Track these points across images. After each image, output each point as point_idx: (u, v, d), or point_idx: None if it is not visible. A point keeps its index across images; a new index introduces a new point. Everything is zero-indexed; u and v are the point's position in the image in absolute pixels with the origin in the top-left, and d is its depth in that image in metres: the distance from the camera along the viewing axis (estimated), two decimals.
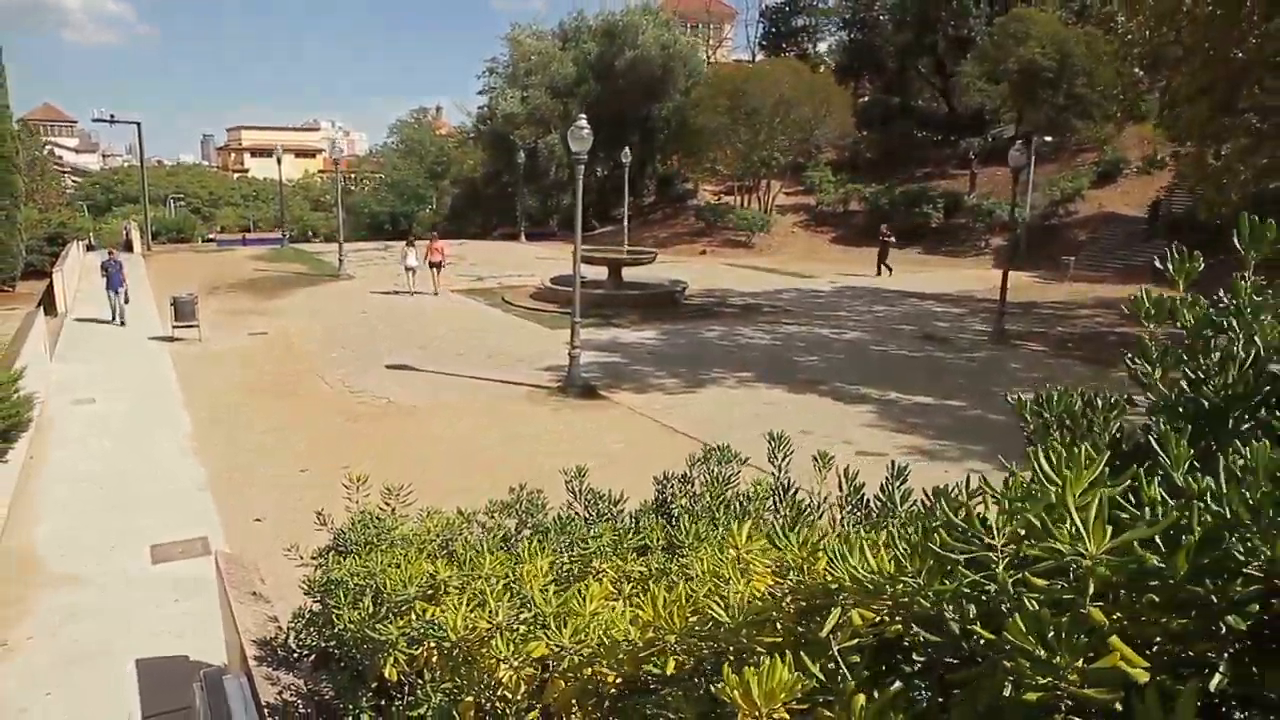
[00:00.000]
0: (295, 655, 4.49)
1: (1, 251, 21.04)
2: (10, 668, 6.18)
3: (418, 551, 4.03)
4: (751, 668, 1.28)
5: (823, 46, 56.09)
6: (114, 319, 18.86)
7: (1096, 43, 27.97)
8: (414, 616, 2.91)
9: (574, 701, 2.18)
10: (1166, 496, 1.18)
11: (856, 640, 1.39)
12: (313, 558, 4.37)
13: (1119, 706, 1.01)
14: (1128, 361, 1.67)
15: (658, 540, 3.23)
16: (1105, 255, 34.93)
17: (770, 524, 2.67)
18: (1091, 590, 1.06)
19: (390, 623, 2.97)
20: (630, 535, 3.90)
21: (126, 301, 19.07)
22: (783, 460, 3.67)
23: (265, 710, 3.95)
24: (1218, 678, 1.06)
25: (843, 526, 3.35)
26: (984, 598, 1.22)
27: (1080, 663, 1.02)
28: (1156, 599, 1.09)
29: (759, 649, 1.58)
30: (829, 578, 1.46)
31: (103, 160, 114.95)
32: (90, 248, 33.86)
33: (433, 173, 65.90)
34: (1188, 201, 27.30)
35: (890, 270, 31.38)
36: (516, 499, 4.95)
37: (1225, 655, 1.08)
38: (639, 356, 17.17)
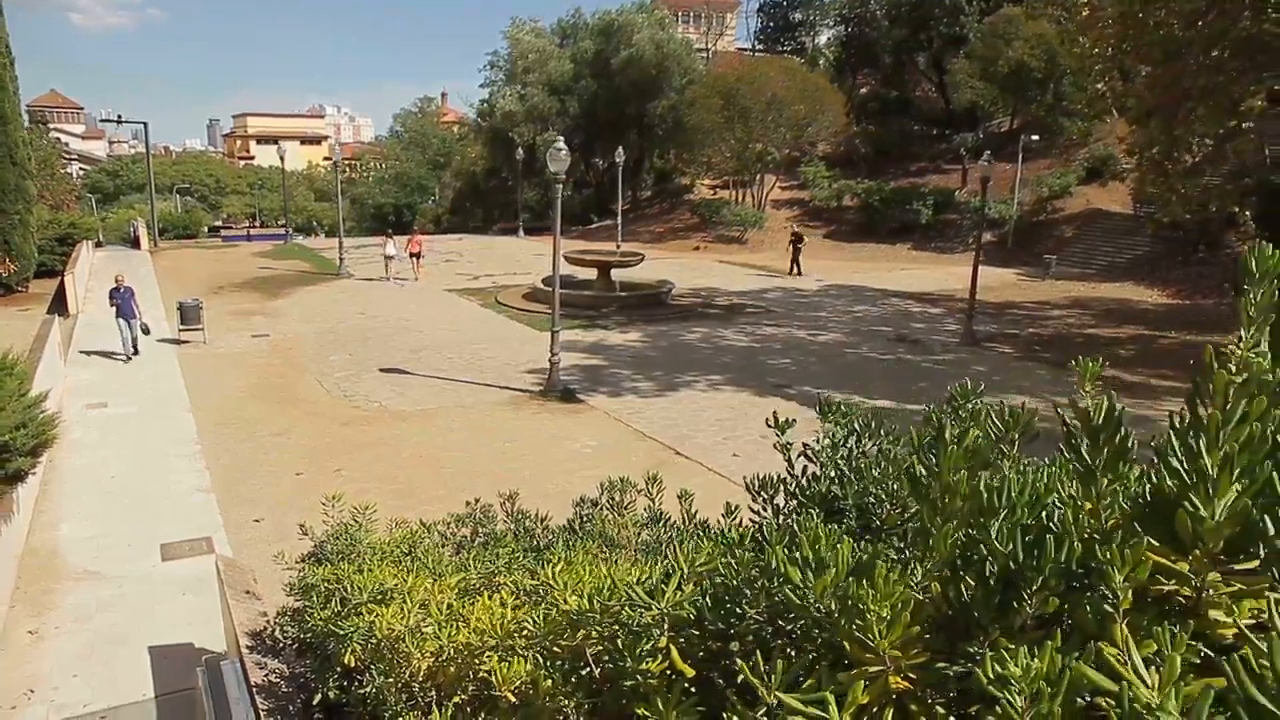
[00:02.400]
0: (280, 645, 5.52)
1: (16, 254, 21.98)
2: (41, 653, 7.16)
3: (381, 559, 5.02)
4: (499, 662, 2.23)
5: (823, 39, 56.70)
6: (125, 350, 16.97)
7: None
8: (365, 617, 3.88)
9: (455, 683, 3.16)
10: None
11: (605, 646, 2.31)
12: (297, 562, 5.38)
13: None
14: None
15: (561, 557, 4.20)
16: (1091, 252, 35.60)
17: (582, 558, 3.59)
18: (666, 625, 1.98)
19: (349, 621, 3.95)
20: (534, 553, 4.88)
21: (146, 332, 17.38)
22: (657, 494, 4.67)
23: (255, 690, 4.97)
24: (741, 676, 1.98)
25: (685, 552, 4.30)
26: (628, 626, 2.14)
27: (645, 664, 1.94)
28: (697, 631, 2.03)
29: (557, 650, 2.53)
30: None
31: (109, 147, 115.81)
32: (99, 244, 34.86)
33: (435, 164, 66.66)
34: None
35: (800, 271, 31.43)
36: (470, 512, 5.96)
37: (747, 661, 2.01)
38: (620, 360, 18.10)
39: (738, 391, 15.67)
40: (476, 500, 5.94)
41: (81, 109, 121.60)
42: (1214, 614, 1.24)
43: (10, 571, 8.11)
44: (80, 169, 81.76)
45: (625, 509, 5.30)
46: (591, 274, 24.79)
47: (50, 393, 9.93)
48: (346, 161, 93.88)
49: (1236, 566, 1.24)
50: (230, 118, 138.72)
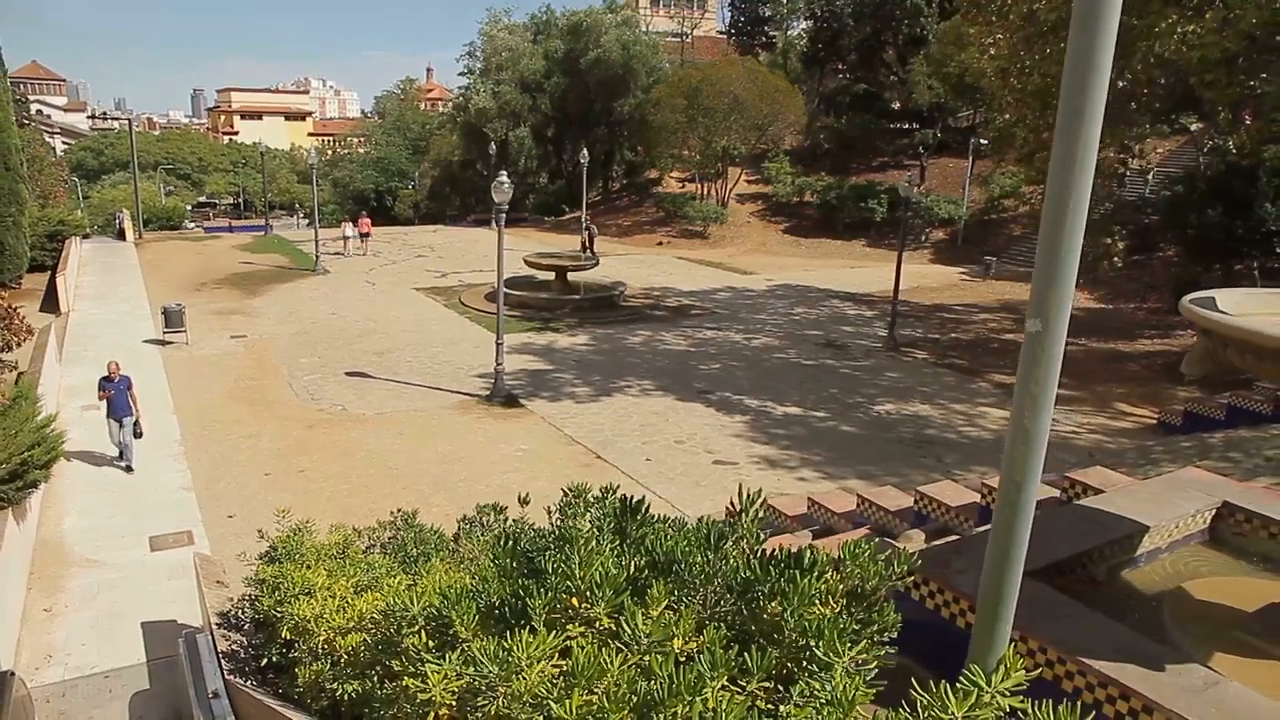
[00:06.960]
0: (241, 622, 7.51)
1: (9, 254, 23.59)
2: (55, 626, 9.06)
3: (318, 560, 6.96)
4: (345, 635, 4.18)
5: (794, 32, 58.16)
6: (120, 460, 13.45)
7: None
8: (292, 605, 5.80)
9: (336, 649, 5.07)
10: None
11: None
12: (256, 559, 7.36)
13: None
14: None
15: (423, 568, 6.12)
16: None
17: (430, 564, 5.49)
18: (421, 619, 3.89)
19: (284, 607, 5.89)
20: (422, 559, 6.80)
21: (139, 435, 13.50)
22: (528, 509, 6.54)
23: (222, 655, 6.94)
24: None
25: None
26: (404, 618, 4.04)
27: (408, 640, 3.86)
28: (435, 622, 3.94)
29: (386, 632, 4.43)
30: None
31: (91, 122, 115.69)
32: (86, 235, 36.32)
33: (415, 148, 67.86)
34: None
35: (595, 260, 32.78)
36: (394, 519, 7.95)
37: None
38: (565, 363, 19.98)
39: (664, 397, 17.57)
40: (399, 510, 7.93)
41: (64, 80, 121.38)
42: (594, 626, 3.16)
43: (26, 560, 9.98)
44: (63, 143, 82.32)
45: (489, 528, 7.31)
46: (549, 274, 26.56)
47: (44, 384, 11.69)
48: (329, 136, 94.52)
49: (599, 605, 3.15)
50: (215, 92, 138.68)
